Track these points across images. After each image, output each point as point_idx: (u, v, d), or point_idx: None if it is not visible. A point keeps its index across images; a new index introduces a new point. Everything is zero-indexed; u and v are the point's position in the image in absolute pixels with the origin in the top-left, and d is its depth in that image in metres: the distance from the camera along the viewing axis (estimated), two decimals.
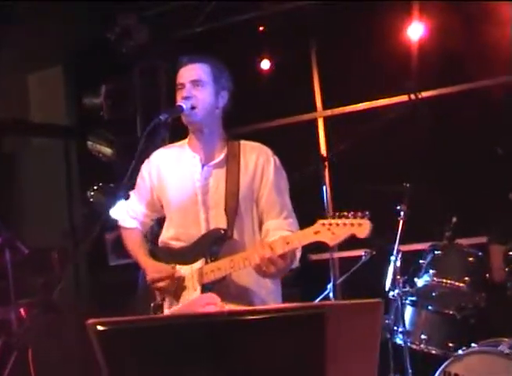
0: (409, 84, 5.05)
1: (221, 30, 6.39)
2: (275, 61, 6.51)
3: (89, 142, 6.30)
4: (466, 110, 5.63)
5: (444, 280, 4.41)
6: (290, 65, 6.41)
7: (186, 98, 2.96)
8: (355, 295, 2.10)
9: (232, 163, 3.02)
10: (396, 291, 4.48)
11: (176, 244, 3.10)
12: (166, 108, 3.04)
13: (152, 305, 3.07)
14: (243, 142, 3.12)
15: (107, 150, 6.25)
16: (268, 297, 3.07)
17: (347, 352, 1.81)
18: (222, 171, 3.04)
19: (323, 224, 2.62)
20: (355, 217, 2.58)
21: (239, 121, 6.38)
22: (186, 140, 3.17)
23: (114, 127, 6.37)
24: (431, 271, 4.46)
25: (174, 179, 3.10)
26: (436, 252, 4.53)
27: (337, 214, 2.62)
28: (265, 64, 6.51)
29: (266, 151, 3.10)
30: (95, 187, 5.63)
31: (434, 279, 4.43)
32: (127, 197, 2.92)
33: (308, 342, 1.72)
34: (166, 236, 3.14)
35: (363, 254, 4.92)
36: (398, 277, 4.53)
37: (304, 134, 6.40)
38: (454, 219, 4.57)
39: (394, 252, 4.53)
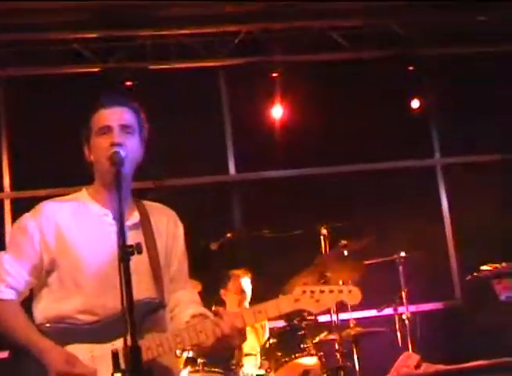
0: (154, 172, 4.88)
1: None
2: None
3: None
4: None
5: None
6: None
7: (119, 144, 2.47)
8: None
9: (145, 225, 2.63)
10: None
11: (84, 318, 2.47)
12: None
13: None
14: (145, 202, 2.73)
15: None
16: None
17: None
18: (139, 233, 2.60)
19: (304, 291, 2.49)
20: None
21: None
22: (82, 193, 2.65)
23: None
24: None
25: (84, 240, 2.54)
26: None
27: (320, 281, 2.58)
28: None
29: (173, 214, 2.78)
30: None
31: None
32: None
33: None
34: (67, 308, 2.49)
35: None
36: None
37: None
38: None
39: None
